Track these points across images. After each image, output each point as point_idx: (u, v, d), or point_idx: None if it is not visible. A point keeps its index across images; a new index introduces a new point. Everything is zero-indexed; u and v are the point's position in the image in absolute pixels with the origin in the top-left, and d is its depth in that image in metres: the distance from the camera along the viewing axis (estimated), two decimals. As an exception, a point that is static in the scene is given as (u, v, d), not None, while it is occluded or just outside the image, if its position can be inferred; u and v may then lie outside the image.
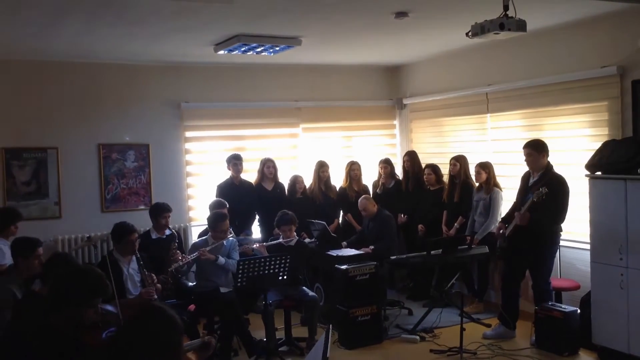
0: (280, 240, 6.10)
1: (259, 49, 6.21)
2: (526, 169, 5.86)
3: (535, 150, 5.62)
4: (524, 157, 5.73)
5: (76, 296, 2.74)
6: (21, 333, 2.85)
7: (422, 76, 8.22)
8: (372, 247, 6.63)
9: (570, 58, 6.01)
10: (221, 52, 6.22)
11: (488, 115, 7.09)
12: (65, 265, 3.52)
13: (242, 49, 6.14)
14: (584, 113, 5.96)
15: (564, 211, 5.52)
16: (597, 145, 5.41)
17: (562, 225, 5.68)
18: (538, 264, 5.66)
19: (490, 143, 7.09)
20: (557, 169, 6.18)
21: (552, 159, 6.28)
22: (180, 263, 5.53)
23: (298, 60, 7.54)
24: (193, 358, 2.96)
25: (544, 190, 5.34)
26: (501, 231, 5.83)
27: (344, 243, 6.86)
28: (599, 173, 5.24)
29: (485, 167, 6.54)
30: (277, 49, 6.22)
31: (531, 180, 5.70)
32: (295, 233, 6.20)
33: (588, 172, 5.32)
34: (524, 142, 6.58)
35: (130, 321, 2.34)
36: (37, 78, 6.85)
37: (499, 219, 6.43)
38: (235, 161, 7.07)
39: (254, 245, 6.22)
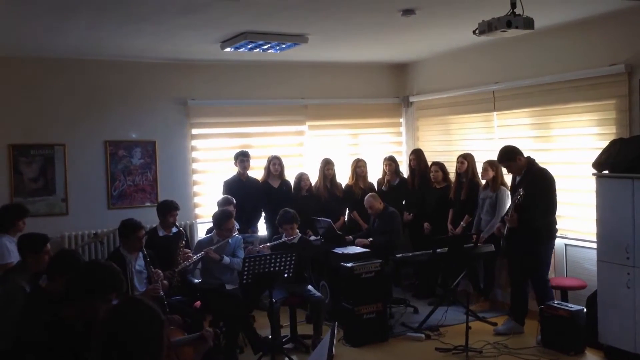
0: (284, 239, 6.11)
1: (265, 47, 6.21)
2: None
3: (509, 160, 5.76)
4: (505, 171, 5.92)
5: (94, 288, 2.76)
6: (31, 328, 2.86)
7: (428, 74, 8.20)
8: (370, 239, 6.67)
9: (577, 56, 5.98)
10: (228, 49, 6.22)
11: (495, 113, 7.07)
12: (73, 261, 3.53)
13: (249, 47, 6.14)
14: (592, 111, 5.93)
15: (552, 204, 5.64)
16: (604, 143, 5.39)
17: (567, 222, 5.64)
18: (536, 263, 5.70)
19: (497, 141, 7.05)
20: (564, 167, 6.17)
21: (558, 157, 6.28)
22: (187, 263, 5.55)
23: (304, 58, 7.53)
24: (190, 351, 2.96)
25: (521, 192, 5.45)
26: (502, 231, 5.87)
27: (350, 237, 6.88)
28: (606, 172, 5.22)
29: (493, 165, 6.50)
30: (284, 46, 6.22)
31: (517, 180, 5.80)
32: (298, 231, 6.20)
33: (595, 171, 5.30)
34: (532, 140, 6.59)
35: (110, 314, 2.35)
36: (44, 75, 6.87)
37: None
38: (242, 158, 7.09)
39: (259, 246, 6.22)
